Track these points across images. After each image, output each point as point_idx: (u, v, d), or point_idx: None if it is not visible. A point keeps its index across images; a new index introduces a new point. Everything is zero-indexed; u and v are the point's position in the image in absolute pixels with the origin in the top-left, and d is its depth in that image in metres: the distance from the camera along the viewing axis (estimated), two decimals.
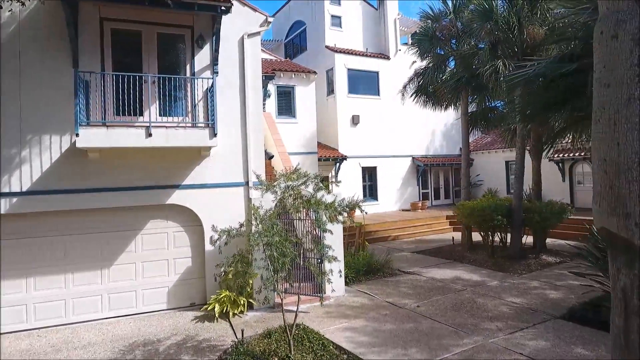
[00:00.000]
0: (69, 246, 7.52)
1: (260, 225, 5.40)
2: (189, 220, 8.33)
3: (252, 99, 8.86)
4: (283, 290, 6.99)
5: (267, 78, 13.62)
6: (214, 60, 8.46)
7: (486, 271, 10.37)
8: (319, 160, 16.92)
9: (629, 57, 2.12)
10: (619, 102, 2.17)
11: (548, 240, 12.61)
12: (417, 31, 15.49)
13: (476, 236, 12.88)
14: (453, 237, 14.18)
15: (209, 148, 8.13)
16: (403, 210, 20.59)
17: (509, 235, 11.85)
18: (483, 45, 12.03)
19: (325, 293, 8.26)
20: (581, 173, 18.18)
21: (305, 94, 14.61)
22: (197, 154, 8.26)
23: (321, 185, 6.41)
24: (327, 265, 8.22)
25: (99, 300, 7.68)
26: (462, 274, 10.19)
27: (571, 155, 17.70)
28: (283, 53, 23.85)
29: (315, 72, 14.92)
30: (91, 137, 6.82)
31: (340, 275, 8.71)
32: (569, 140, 17.06)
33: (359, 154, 19.51)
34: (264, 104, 13.87)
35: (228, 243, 5.80)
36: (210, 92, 7.93)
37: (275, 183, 6.11)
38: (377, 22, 21.62)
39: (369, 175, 20.20)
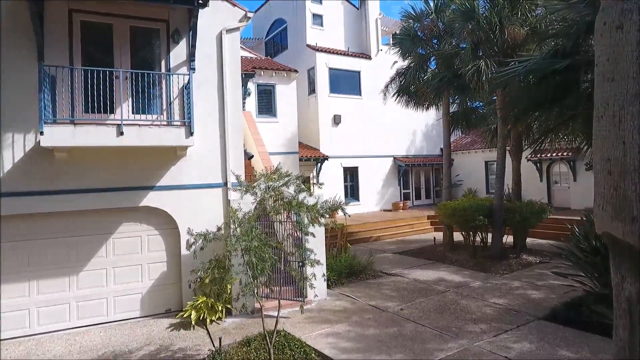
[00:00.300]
0: (33, 252, 7.05)
1: (238, 229, 5.13)
2: (164, 222, 7.96)
3: (231, 97, 8.55)
4: (263, 295, 6.74)
5: (246, 76, 13.27)
6: (191, 56, 8.11)
7: (468, 272, 10.33)
8: (300, 160, 16.67)
9: (635, 49, 1.97)
10: (624, 97, 2.01)
11: (528, 239, 12.71)
12: (399, 31, 15.44)
13: (457, 236, 12.88)
14: (435, 238, 14.16)
15: (185, 147, 7.79)
16: (384, 210, 20.54)
17: (489, 235, 11.89)
18: (465, 45, 12.04)
19: (307, 297, 8.03)
20: (558, 173, 18.51)
21: (286, 93, 14.33)
22: (173, 154, 7.91)
23: (303, 186, 6.18)
24: (308, 269, 8.01)
25: (66, 308, 7.23)
26: (445, 274, 10.12)
27: (549, 155, 17.98)
28: (264, 51, 23.49)
29: (296, 71, 14.66)
30: (57, 136, 6.39)
31: (323, 279, 8.54)
32: (549, 141, 17.38)
33: (340, 154, 19.35)
34: (243, 103, 13.55)
35: (204, 247, 5.50)
36: (186, 89, 7.58)
37: (254, 184, 5.84)
38: (359, 22, 21.52)
39: (351, 175, 20.07)
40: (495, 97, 11.66)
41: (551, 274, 9.72)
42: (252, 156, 9.46)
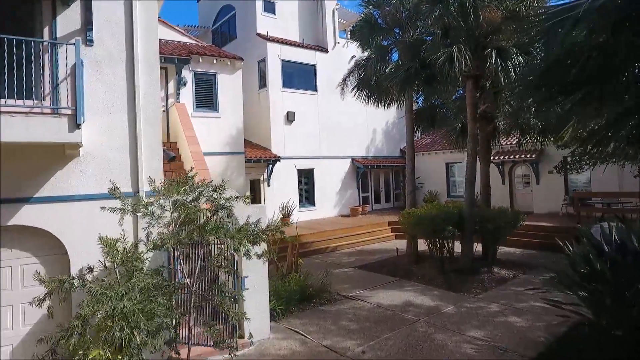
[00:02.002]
0: None
1: (117, 270, 3.28)
2: (48, 247, 5.86)
3: (145, 81, 6.58)
4: (183, 338, 4.89)
5: (180, 62, 11.24)
6: (87, 23, 6.09)
7: (438, 292, 8.96)
8: (249, 161, 14.78)
9: None
10: None
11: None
12: (357, 22, 13.97)
13: (421, 243, 11.54)
14: (397, 248, 12.78)
15: (77, 145, 5.75)
16: (342, 215, 19.05)
17: (456, 243, 10.65)
18: (429, 37, 10.74)
19: (243, 338, 6.25)
20: (520, 176, 17.85)
21: (229, 84, 12.40)
22: (60, 153, 5.83)
23: (228, 200, 4.41)
24: (245, 301, 6.25)
25: None
26: (412, 296, 8.68)
27: (511, 157, 17.27)
28: (210, 41, 21.29)
29: (241, 59, 12.75)
30: None
31: (264, 314, 6.79)
32: (514, 142, 16.63)
33: (294, 155, 17.64)
34: (178, 94, 11.53)
35: (67, 299, 3.59)
36: (77, 67, 5.56)
37: (152, 200, 4.01)
38: (315, 13, 19.91)
39: (306, 178, 18.41)
40: (464, 92, 10.44)
41: (528, 292, 8.59)
42: (174, 157, 7.54)
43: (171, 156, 7.43)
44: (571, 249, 6.34)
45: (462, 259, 10.34)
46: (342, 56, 18.74)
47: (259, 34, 17.66)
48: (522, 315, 7.39)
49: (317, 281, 8.95)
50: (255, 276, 6.54)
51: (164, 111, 11.31)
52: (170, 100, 11.49)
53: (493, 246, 10.42)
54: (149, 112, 6.58)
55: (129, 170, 6.38)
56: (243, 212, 6.42)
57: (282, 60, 17.64)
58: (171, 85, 11.46)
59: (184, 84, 11.59)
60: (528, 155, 16.51)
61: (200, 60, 11.85)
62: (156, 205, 3.92)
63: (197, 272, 4.59)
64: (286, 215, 16.71)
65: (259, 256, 4.31)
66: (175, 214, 3.95)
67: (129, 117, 6.42)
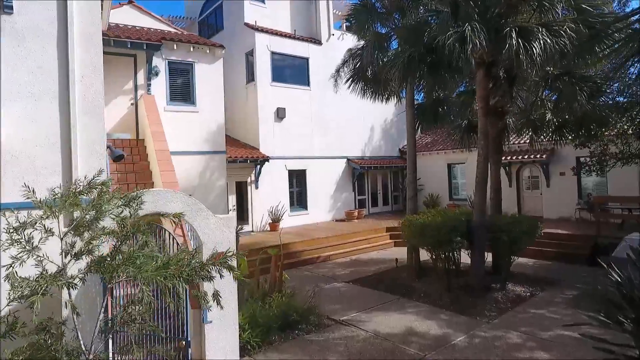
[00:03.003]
0: None
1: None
2: None
3: (83, 60, 5.24)
4: None
5: (150, 48, 9.87)
6: None
7: (446, 315, 7.64)
8: (234, 162, 13.43)
9: None
10: None
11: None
12: (353, 7, 12.64)
13: (423, 252, 10.22)
14: (397, 259, 11.45)
15: None
16: (337, 220, 17.69)
17: (461, 252, 9.35)
18: (433, 19, 9.43)
19: None
20: (528, 177, 16.57)
21: (209, 75, 10.99)
22: None
23: (167, 215, 3.08)
24: (208, 339, 4.96)
25: None
26: (415, 321, 7.36)
27: (519, 157, 15.99)
28: (197, 33, 19.92)
29: (222, 46, 11.32)
30: None
31: (232, 353, 5.45)
32: (524, 141, 15.36)
33: (284, 155, 16.29)
34: (148, 85, 10.18)
35: None
36: None
37: (32, 220, 2.68)
38: (308, 3, 18.56)
39: (298, 179, 17.05)
40: (471, 84, 9.16)
41: (550, 315, 7.35)
42: (122, 156, 6.19)
43: (117, 154, 6.10)
44: (617, 276, 5.02)
45: (471, 274, 9.04)
46: (337, 49, 17.38)
47: (246, 24, 16.31)
48: (550, 349, 6.07)
49: (304, 300, 7.62)
50: (224, 295, 5.20)
51: (132, 104, 9.96)
52: (141, 92, 10.13)
53: (507, 259, 9.10)
54: (88, 100, 5.25)
55: (60, 171, 5.06)
56: (207, 227, 5.11)
57: (272, 53, 16.29)
58: (141, 75, 10.11)
59: (156, 74, 10.22)
60: (538, 156, 15.23)
61: (175, 48, 10.47)
62: (40, 227, 2.62)
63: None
64: (275, 220, 15.37)
65: (216, 297, 2.98)
66: (71, 239, 2.64)
67: (60, 106, 5.08)
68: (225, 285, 4.79)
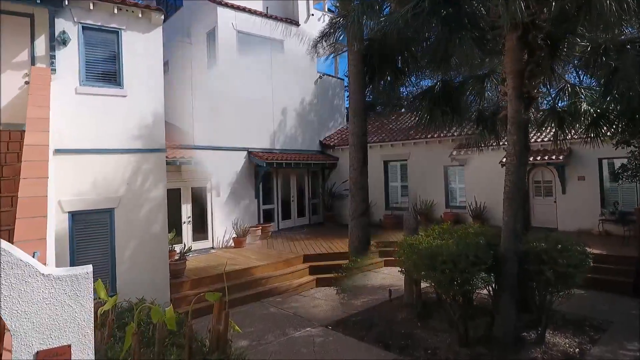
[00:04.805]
0: None
1: None
2: None
3: None
4: None
5: (47, 2, 6.99)
6: None
7: None
8: (172, 164, 10.67)
9: None
10: None
11: None
12: None
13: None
14: (390, 291, 8.82)
15: None
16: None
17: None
18: None
19: None
20: (540, 182, 14.18)
21: (143, 47, 8.09)
22: None
23: None
24: None
25: None
26: None
27: (530, 158, 13.59)
28: None
29: (160, 10, 8.46)
30: None
31: None
32: (544, 139, 13.01)
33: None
34: (52, 56, 7.34)
35: None
36: None
37: None
38: None
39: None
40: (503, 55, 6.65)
41: None
42: None
43: None
44: None
45: (498, 323, 6.47)
46: (317, 31, 14.76)
47: None
48: None
49: None
50: None
51: (27, 83, 7.11)
52: (42, 67, 7.32)
53: (548, 300, 6.49)
54: None
55: None
56: (22, 296, 2.38)
57: (238, 32, 13.55)
58: (42, 43, 7.29)
59: (63, 42, 7.39)
60: (553, 157, 12.86)
61: (91, 7, 7.58)
62: None
63: None
64: (241, 235, 12.62)
65: None
66: None
67: None
68: None
